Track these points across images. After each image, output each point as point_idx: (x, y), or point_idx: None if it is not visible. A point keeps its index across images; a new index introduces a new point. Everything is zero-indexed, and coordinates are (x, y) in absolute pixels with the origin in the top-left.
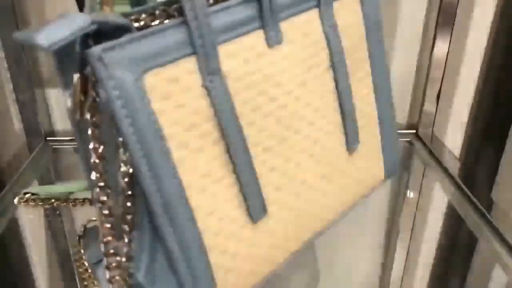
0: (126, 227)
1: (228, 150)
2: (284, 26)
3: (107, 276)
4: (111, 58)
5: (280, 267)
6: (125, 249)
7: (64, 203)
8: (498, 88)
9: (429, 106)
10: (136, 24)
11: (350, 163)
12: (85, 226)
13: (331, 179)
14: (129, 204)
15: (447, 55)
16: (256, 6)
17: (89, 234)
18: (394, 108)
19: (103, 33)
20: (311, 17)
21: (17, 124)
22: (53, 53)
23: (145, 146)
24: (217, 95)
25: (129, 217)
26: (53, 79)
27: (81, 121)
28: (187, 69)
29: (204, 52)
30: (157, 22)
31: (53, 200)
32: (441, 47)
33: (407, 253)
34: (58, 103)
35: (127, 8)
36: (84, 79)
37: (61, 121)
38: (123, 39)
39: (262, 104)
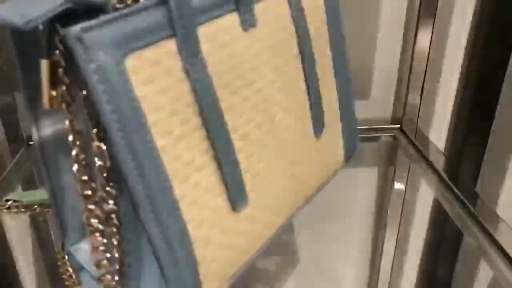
0: (113, 229)
1: (209, 137)
2: (257, 8)
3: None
4: (91, 39)
5: (257, 254)
6: (116, 253)
7: (47, 209)
8: (481, 82)
9: (413, 101)
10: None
11: (317, 147)
12: None
13: (302, 164)
14: (111, 201)
15: (429, 49)
16: None
17: None
18: (351, 93)
19: (72, 15)
20: (280, 0)
21: None
22: (13, 37)
23: (128, 135)
24: (198, 79)
25: (113, 216)
26: None
27: (46, 112)
28: (168, 52)
29: (184, 33)
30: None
31: (36, 206)
32: (423, 41)
33: (395, 247)
34: None
35: None
36: (53, 65)
37: None
38: (102, 18)
39: (239, 89)
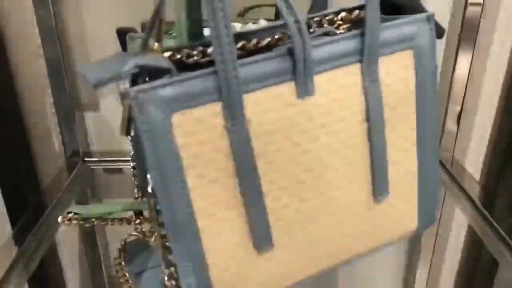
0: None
1: (241, 185)
2: (319, 78)
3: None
4: (144, 98)
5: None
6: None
7: (104, 222)
8: None
9: (450, 129)
10: (174, 58)
11: (376, 211)
12: (125, 240)
13: (350, 223)
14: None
15: (467, 78)
16: (290, 60)
17: (129, 247)
18: (438, 162)
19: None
20: (352, 71)
21: (58, 146)
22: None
23: (162, 172)
24: (236, 137)
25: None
26: (91, 104)
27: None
28: (213, 112)
29: (229, 100)
30: (194, 58)
31: (93, 219)
32: (462, 70)
33: (428, 275)
34: (95, 126)
35: (177, 41)
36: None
37: (97, 143)
38: (158, 82)
39: (284, 147)
